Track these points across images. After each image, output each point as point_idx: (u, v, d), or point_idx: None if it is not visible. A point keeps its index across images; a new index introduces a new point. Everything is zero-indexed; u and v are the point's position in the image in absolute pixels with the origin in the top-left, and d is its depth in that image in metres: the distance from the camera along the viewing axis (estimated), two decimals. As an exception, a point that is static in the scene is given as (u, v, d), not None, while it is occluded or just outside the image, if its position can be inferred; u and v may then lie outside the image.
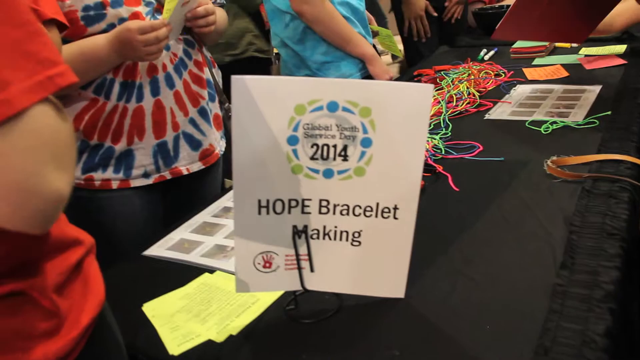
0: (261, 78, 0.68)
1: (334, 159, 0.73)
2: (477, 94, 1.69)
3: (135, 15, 1.29)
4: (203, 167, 1.47)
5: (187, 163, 1.43)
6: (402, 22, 2.71)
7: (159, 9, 1.33)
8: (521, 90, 1.71)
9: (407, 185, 0.76)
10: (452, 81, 1.78)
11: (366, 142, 0.73)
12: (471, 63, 2.02)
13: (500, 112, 1.54)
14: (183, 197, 1.52)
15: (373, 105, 0.71)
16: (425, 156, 1.28)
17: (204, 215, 1.24)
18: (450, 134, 1.43)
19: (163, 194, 1.47)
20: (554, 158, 1.16)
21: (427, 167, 1.24)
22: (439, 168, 1.23)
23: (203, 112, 1.43)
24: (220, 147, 1.54)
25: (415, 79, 1.99)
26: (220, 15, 1.52)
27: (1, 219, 0.50)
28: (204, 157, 1.47)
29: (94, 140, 1.33)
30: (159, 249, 1.10)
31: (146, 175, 1.39)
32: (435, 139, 1.36)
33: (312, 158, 0.73)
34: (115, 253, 1.34)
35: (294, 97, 0.69)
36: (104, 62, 1.26)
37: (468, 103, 1.62)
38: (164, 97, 1.34)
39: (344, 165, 0.74)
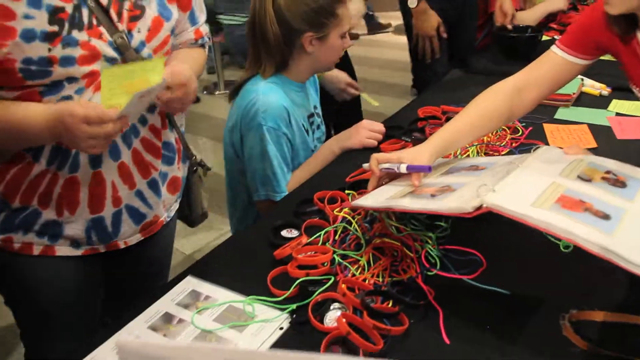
0: (153, 344, 0.44)
1: None
2: (487, 162, 1.44)
3: (92, 76, 1.03)
4: (142, 238, 1.24)
5: (127, 237, 1.21)
6: (411, 39, 2.45)
7: None
8: (539, 164, 1.45)
9: None
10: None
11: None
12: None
13: (512, 200, 1.29)
14: (127, 264, 1.29)
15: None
16: (417, 272, 1.05)
17: (166, 303, 1.03)
18: (449, 229, 1.18)
19: (102, 261, 1.24)
20: (574, 312, 0.93)
21: (417, 294, 1.01)
22: (430, 296, 0.99)
23: (153, 184, 1.19)
24: (168, 213, 1.30)
25: (419, 124, 1.73)
26: (199, 61, 1.26)
27: None
28: (145, 228, 1.24)
29: (15, 204, 1.09)
30: (107, 352, 0.91)
31: (75, 244, 1.16)
32: (430, 241, 1.12)
33: None
34: (48, 330, 1.20)
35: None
36: (32, 140, 1.01)
37: (476, 178, 1.37)
38: (105, 169, 1.10)
39: None
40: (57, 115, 0.95)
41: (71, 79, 1.01)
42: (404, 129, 1.70)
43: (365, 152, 1.57)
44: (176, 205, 1.33)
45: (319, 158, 1.61)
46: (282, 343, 0.93)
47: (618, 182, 1.03)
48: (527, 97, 1.27)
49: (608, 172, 1.07)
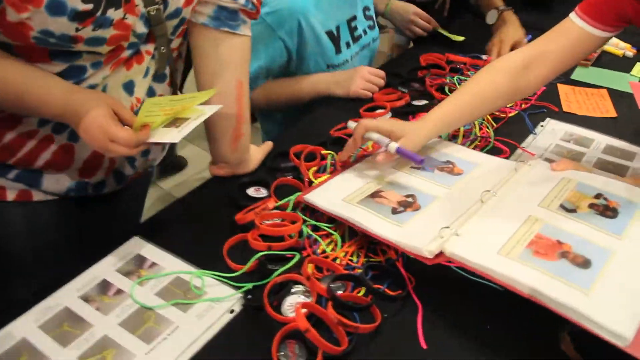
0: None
1: None
2: (492, 125, 1.28)
3: (114, 52, 0.86)
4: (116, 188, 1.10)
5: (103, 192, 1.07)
6: None
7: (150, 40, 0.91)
8: (550, 133, 1.28)
9: None
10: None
11: None
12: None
13: (515, 174, 1.14)
14: (98, 209, 1.16)
15: None
16: (398, 254, 0.90)
17: (106, 267, 0.90)
18: (440, 204, 1.03)
19: (76, 204, 1.10)
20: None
21: (395, 281, 0.86)
22: (410, 285, 0.85)
23: (145, 150, 1.05)
24: (152, 163, 1.15)
25: (420, 73, 1.55)
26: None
27: None
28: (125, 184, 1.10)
29: None
30: (27, 324, 0.80)
31: (51, 193, 1.02)
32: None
33: None
34: (18, 274, 1.05)
35: None
36: (40, 114, 0.85)
37: (478, 143, 1.21)
38: None
39: None
40: (79, 110, 0.78)
41: (91, 53, 0.83)
42: (403, 77, 1.52)
43: (361, 100, 1.40)
44: (162, 154, 1.17)
45: (302, 86, 1.44)
46: (230, 330, 0.80)
47: (608, 211, 0.90)
48: (536, 74, 1.09)
49: (598, 195, 0.94)
